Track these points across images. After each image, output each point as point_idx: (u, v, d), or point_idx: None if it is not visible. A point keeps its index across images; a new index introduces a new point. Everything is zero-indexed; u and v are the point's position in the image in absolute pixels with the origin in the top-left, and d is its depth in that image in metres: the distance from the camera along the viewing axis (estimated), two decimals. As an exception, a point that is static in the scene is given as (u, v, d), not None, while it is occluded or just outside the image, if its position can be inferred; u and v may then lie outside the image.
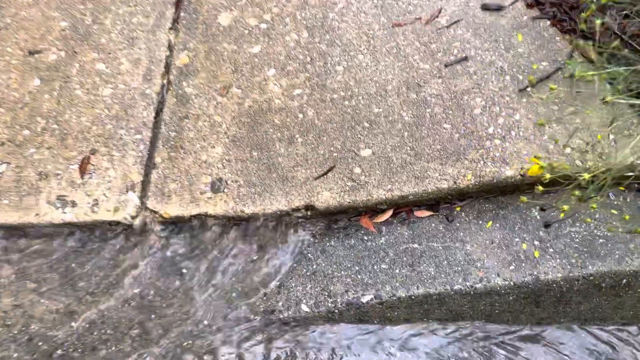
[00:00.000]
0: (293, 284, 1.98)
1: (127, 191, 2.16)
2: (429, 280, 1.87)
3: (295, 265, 2.03)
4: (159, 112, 2.32)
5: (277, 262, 2.05)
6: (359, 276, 1.94)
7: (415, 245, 1.97)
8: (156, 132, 2.28)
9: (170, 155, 2.22)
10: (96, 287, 2.00)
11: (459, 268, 1.88)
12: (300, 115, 2.26)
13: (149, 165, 2.22)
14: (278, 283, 2.00)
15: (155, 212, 2.13)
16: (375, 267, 1.95)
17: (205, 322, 1.94)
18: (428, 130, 2.14)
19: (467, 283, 1.84)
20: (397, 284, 1.88)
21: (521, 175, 1.96)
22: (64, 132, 2.26)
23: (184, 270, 2.05)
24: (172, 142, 2.25)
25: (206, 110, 2.31)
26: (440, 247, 1.95)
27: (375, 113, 2.22)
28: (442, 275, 1.87)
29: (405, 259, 1.95)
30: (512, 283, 1.83)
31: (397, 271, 1.92)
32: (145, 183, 2.18)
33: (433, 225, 2.02)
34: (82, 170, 2.19)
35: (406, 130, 2.16)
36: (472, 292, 1.84)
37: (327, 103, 2.27)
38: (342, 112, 2.24)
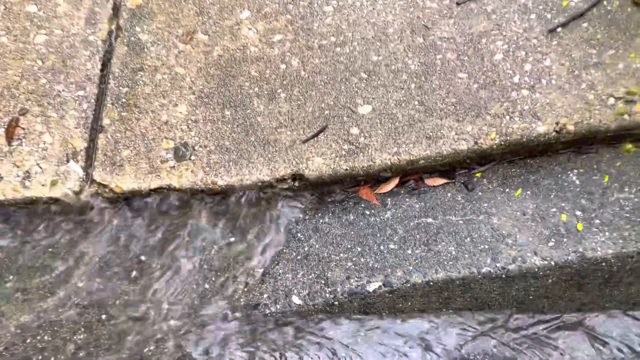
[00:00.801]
0: (281, 271, 1.59)
1: (67, 160, 1.72)
2: (450, 262, 1.51)
3: (282, 248, 1.64)
4: (106, 63, 1.87)
5: (260, 245, 1.66)
6: (362, 259, 1.57)
7: (430, 220, 1.60)
8: (103, 88, 1.83)
9: (122, 116, 1.79)
10: (30, 284, 1.57)
11: (486, 246, 1.53)
12: (283, 66, 1.85)
13: (95, 128, 1.78)
14: (262, 270, 1.61)
15: (105, 186, 1.70)
16: (381, 247, 1.58)
17: (172, 323, 1.54)
18: (440, 81, 1.76)
19: (498, 264, 1.49)
20: (411, 268, 1.52)
21: (557, 131, 1.61)
22: (-16, 88, 1.79)
23: (143, 258, 1.63)
24: (124, 100, 1.81)
25: (166, 60, 1.88)
26: (460, 221, 1.59)
27: (374, 61, 1.83)
28: (466, 256, 1.52)
29: (418, 236, 1.58)
30: (552, 263, 1.49)
31: (410, 252, 1.55)
32: (90, 150, 1.74)
33: (449, 195, 1.66)
34: (9, 136, 1.73)
35: (413, 81, 1.78)
36: (503, 275, 1.49)
37: (314, 51, 1.87)
38: (333, 62, 1.84)
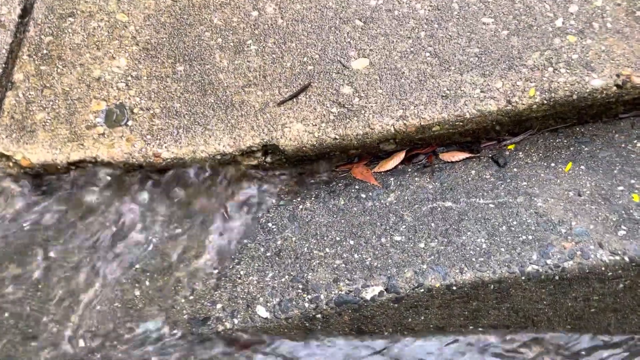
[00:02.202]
0: (242, 273, 1.14)
1: (-41, 124, 1.28)
2: (480, 259, 1.07)
3: (246, 241, 1.19)
4: (28, 8, 1.45)
5: (215, 238, 1.20)
6: (355, 255, 1.12)
7: (449, 204, 1.17)
8: (20, 37, 1.40)
9: (41, 70, 1.35)
10: None
11: (530, 236, 1.09)
12: (255, 13, 1.44)
13: (2, 84, 1.34)
14: (216, 272, 1.15)
15: (8, 158, 1.25)
16: (382, 239, 1.14)
17: (83, 345, 1.07)
18: (458, 28, 1.35)
19: (548, 261, 1.05)
20: (425, 266, 1.07)
21: (618, 85, 1.19)
22: None
23: (52, 255, 1.17)
24: (45, 51, 1.38)
25: (104, 6, 1.46)
26: (491, 205, 1.15)
27: (372, 6, 1.42)
28: (502, 250, 1.08)
29: (433, 224, 1.14)
30: (625, 258, 1.05)
31: (422, 245, 1.11)
32: (-8, 111, 1.30)
33: (473, 172, 1.22)
34: None
35: (422, 28, 1.37)
36: (556, 277, 1.04)
37: (296, -5, 1.46)
38: (320, 7, 1.43)
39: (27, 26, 1.42)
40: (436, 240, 1.12)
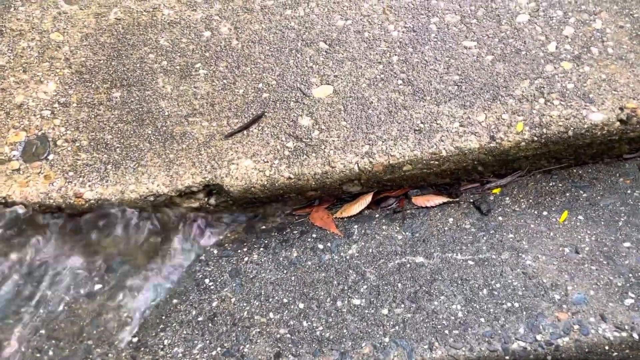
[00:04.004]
0: (166, 342, 0.93)
1: None
2: (454, 331, 0.87)
3: (176, 301, 0.99)
4: (-49, 25, 1.28)
5: (140, 297, 1.00)
6: (304, 323, 0.92)
7: (421, 260, 0.97)
8: (-63, 57, 1.23)
9: (-45, 95, 1.17)
10: None
11: (516, 304, 0.88)
12: (207, 33, 1.27)
13: None
14: (135, 340, 0.95)
15: None
16: (338, 303, 0.93)
17: None
18: (435, 52, 1.17)
19: (538, 336, 0.85)
20: (387, 340, 0.87)
21: (622, 120, 1.00)
22: None
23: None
24: (-36, 73, 1.20)
25: (38, 24, 1.29)
26: (470, 262, 0.95)
27: (339, 27, 1.25)
28: (482, 321, 0.87)
29: (400, 285, 0.94)
30: (634, 335, 0.84)
31: (386, 311, 0.91)
32: None
33: (451, 220, 1.03)
34: None
35: (395, 52, 1.19)
36: (548, 357, 0.84)
37: (254, 14, 1.29)
38: (281, 28, 1.26)
39: (-53, 45, 1.25)
40: (402, 306, 0.91)
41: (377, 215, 1.08)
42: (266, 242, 1.08)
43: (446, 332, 0.88)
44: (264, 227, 1.12)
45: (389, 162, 1.06)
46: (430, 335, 0.87)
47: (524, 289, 0.91)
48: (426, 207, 1.07)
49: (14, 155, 1.11)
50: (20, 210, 1.05)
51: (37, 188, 1.07)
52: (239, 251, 1.07)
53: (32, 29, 1.28)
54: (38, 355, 0.92)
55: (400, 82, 1.15)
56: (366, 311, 0.92)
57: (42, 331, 0.95)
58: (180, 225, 1.11)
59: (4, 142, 1.12)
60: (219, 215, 1.14)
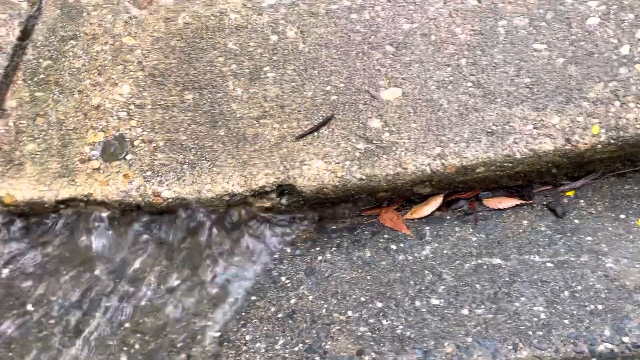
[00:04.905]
0: (248, 338, 0.95)
1: (-60, 155, 1.14)
2: (538, 333, 0.87)
3: (255, 298, 1.01)
4: (29, 30, 1.33)
5: (219, 293, 1.03)
6: (384, 322, 0.93)
7: (497, 261, 0.97)
8: (16, 61, 1.28)
9: (35, 97, 1.22)
10: None
11: (600, 306, 0.88)
12: (274, 37, 1.29)
13: (-8, 111, 1.21)
14: (218, 335, 0.97)
15: (-10, 194, 1.11)
16: (417, 303, 0.95)
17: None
18: (505, 55, 1.18)
19: (625, 338, 0.85)
20: (469, 340, 0.87)
21: (702, 123, 1.00)
22: None
23: (30, 308, 1.01)
24: (42, 76, 1.25)
25: (110, 28, 1.33)
26: (549, 264, 0.95)
27: (405, 30, 1.26)
28: (566, 322, 0.87)
29: (478, 286, 0.94)
30: None
31: (466, 312, 0.91)
32: (-22, 141, 1.17)
33: (525, 223, 1.03)
34: None
35: (463, 55, 1.20)
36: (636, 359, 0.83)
37: (320, 18, 1.31)
38: (346, 31, 1.28)
39: (25, 49, 1.30)
40: (483, 307, 0.92)
41: (448, 217, 1.09)
42: (338, 241, 1.09)
43: (530, 333, 0.88)
44: (334, 227, 1.13)
45: (461, 164, 1.07)
46: (513, 335, 0.88)
47: (606, 291, 0.91)
48: (498, 209, 1.08)
49: (93, 155, 1.14)
50: (104, 213, 1.08)
51: (117, 187, 1.11)
52: (312, 250, 1.09)
53: (105, 33, 1.33)
54: (125, 348, 0.95)
55: (469, 84, 1.15)
56: (446, 311, 0.93)
57: (127, 324, 0.98)
58: (252, 224, 1.13)
59: (83, 142, 1.16)
60: (289, 215, 1.16)
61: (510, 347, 0.87)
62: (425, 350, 0.89)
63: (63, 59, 1.28)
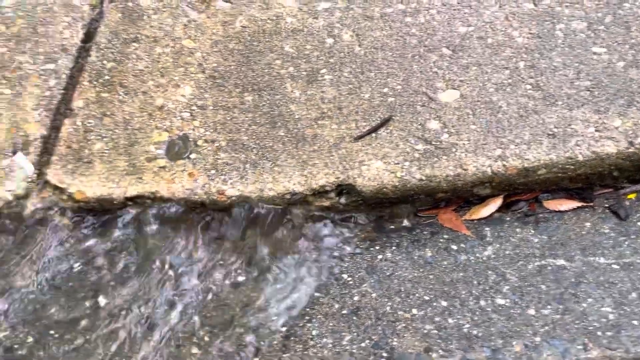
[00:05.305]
0: (315, 333, 0.98)
1: (14, 152, 1.19)
2: (607, 333, 0.87)
3: (318, 295, 1.04)
4: (91, 33, 1.38)
5: (284, 289, 1.05)
6: (449, 320, 0.94)
7: (561, 262, 0.98)
8: (81, 62, 1.33)
9: (101, 97, 1.26)
10: None
11: (670, 308, 0.88)
12: (330, 40, 1.32)
13: (61, 111, 1.26)
14: (284, 330, 0.99)
15: (62, 190, 1.15)
16: (482, 302, 0.96)
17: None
18: (563, 58, 1.18)
19: (697, 341, 0.84)
20: (538, 339, 0.88)
21: None
22: None
23: (102, 300, 1.05)
24: (107, 77, 1.29)
25: (171, 31, 1.37)
26: (615, 266, 0.96)
27: (461, 34, 1.27)
28: (636, 324, 0.88)
29: (544, 287, 0.95)
30: None
31: (532, 312, 0.92)
32: (49, 140, 1.22)
33: (588, 225, 1.04)
34: (-60, 116, 1.23)
35: (521, 58, 1.21)
36: None
37: (374, 21, 1.33)
38: (402, 34, 1.30)
39: (89, 51, 1.35)
40: (549, 307, 0.93)
41: (507, 218, 1.10)
42: (397, 241, 1.11)
43: (599, 333, 0.88)
44: (392, 227, 1.15)
45: (523, 165, 1.07)
46: (582, 336, 0.89)
47: (676, 293, 0.91)
48: (559, 211, 1.09)
49: (159, 154, 1.18)
50: (173, 208, 1.12)
51: (182, 185, 1.14)
52: (371, 249, 1.11)
53: (166, 36, 1.36)
54: (195, 340, 0.98)
55: (529, 87, 1.16)
56: (512, 311, 0.94)
57: (196, 318, 1.01)
58: (312, 223, 1.15)
59: (149, 142, 1.20)
60: (347, 214, 1.18)
61: (579, 347, 0.87)
62: (493, 348, 0.90)
63: (126, 61, 1.32)
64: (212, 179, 1.14)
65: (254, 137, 1.20)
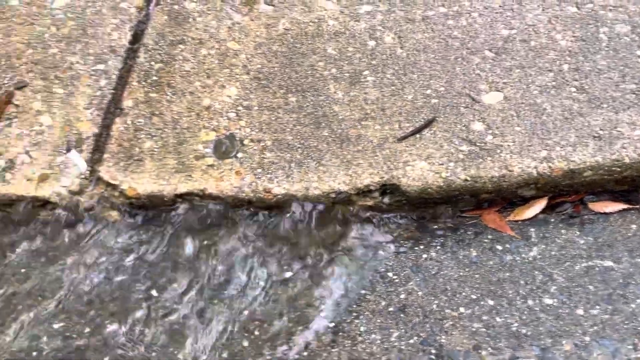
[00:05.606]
0: (362, 329, 0.99)
1: (67, 150, 1.23)
2: (657, 334, 0.88)
3: (364, 292, 1.06)
4: (138, 35, 1.42)
5: (330, 285, 1.07)
6: (497, 319, 0.95)
7: (609, 263, 0.99)
8: (130, 63, 1.36)
9: (150, 97, 1.30)
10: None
11: None
12: (372, 43, 1.34)
13: (111, 110, 1.29)
14: (332, 325, 1.01)
15: (114, 187, 1.19)
16: (530, 302, 0.97)
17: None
18: (608, 61, 1.19)
19: None
20: (587, 339, 0.89)
21: None
22: (-22, 54, 1.36)
23: (154, 294, 1.08)
24: (155, 78, 1.33)
25: (215, 33, 1.40)
26: (663, 268, 0.96)
27: (503, 36, 1.29)
28: (687, 325, 0.88)
29: (591, 287, 0.96)
30: None
31: (581, 312, 0.93)
32: (101, 138, 1.26)
33: (634, 227, 1.05)
34: (-3, 114, 1.28)
35: (565, 61, 1.21)
36: None
37: (416, 24, 1.35)
38: (444, 37, 1.31)
39: (137, 52, 1.38)
40: (598, 307, 0.93)
41: (552, 220, 1.11)
42: (442, 241, 1.12)
43: (649, 334, 0.89)
44: (435, 226, 1.16)
45: (569, 167, 1.08)
46: (632, 336, 0.89)
47: None
48: (604, 213, 1.09)
49: (207, 152, 1.21)
50: (217, 207, 1.15)
51: (230, 183, 1.17)
52: (416, 248, 1.12)
53: (211, 38, 1.40)
54: (246, 334, 1.01)
55: (573, 89, 1.17)
56: (560, 310, 0.95)
57: (246, 312, 1.04)
58: (356, 222, 1.17)
59: (198, 141, 1.23)
60: (390, 214, 1.19)
61: (630, 347, 0.88)
62: (543, 347, 0.91)
63: (173, 62, 1.36)
64: (258, 178, 1.17)
65: (299, 137, 1.22)
